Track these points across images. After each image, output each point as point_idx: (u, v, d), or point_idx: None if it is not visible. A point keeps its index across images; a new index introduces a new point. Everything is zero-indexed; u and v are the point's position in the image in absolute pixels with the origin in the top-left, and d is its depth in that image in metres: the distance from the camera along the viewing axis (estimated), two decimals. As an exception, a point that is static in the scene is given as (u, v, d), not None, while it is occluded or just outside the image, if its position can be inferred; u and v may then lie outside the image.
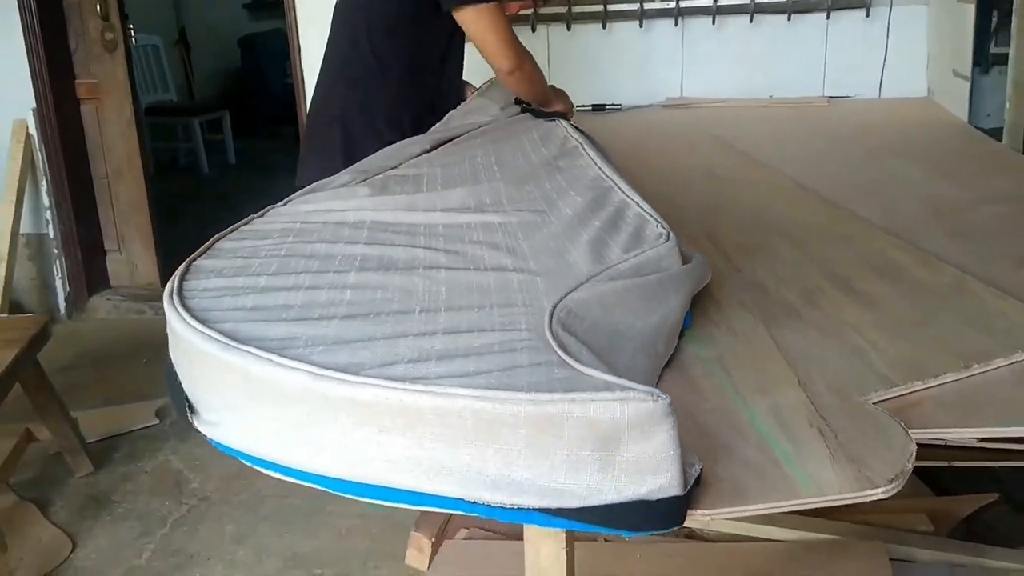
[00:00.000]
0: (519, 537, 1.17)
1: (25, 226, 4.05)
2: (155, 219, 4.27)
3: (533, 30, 3.52)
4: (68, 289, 4.16)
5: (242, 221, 1.57)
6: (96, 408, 3.25)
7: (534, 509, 0.92)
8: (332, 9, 2.36)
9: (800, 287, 1.58)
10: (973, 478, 2.18)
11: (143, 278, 4.29)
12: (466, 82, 2.47)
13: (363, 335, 1.09)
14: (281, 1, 3.73)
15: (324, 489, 1.02)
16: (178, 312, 1.15)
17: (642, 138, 3.04)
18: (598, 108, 3.48)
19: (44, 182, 4.03)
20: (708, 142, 2.94)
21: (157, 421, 3.18)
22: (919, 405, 1.16)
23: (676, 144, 2.98)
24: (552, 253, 1.39)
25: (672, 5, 3.47)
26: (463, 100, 2.42)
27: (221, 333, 1.08)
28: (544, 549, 1.15)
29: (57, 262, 4.13)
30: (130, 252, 4.30)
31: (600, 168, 1.81)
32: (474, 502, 0.93)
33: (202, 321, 1.12)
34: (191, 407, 1.14)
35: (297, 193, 1.73)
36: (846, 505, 0.98)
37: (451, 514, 1.25)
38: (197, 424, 1.13)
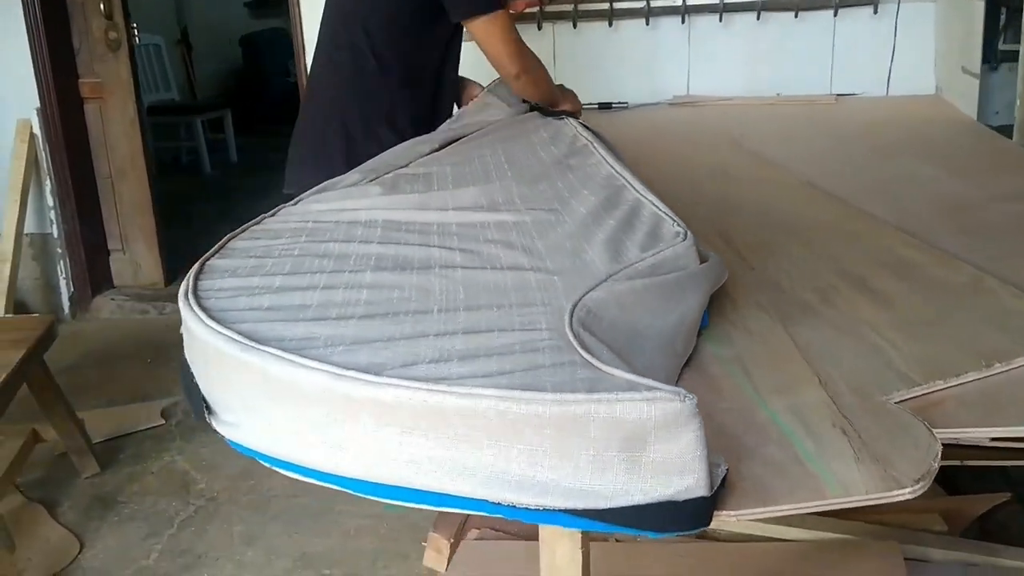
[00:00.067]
0: (531, 537, 1.16)
1: (29, 226, 4.04)
2: (158, 219, 4.25)
3: (539, 28, 3.50)
4: (72, 289, 4.15)
5: (254, 220, 1.56)
6: (101, 408, 3.24)
7: (559, 510, 0.91)
8: (332, 9, 2.33)
9: (814, 285, 1.58)
10: (985, 477, 2.17)
11: (147, 278, 4.27)
12: (473, 81, 2.45)
13: (383, 335, 1.08)
14: (281, 0, 3.71)
15: (344, 490, 1.01)
16: (195, 312, 1.14)
17: (649, 136, 3.03)
18: (604, 106, 3.46)
19: (48, 182, 4.01)
20: (716, 140, 2.93)
21: (162, 421, 3.16)
22: (941, 404, 1.15)
23: (684, 142, 2.97)
24: (568, 252, 1.38)
25: (679, 3, 3.46)
26: (460, 99, 2.41)
27: (239, 333, 1.07)
28: (560, 549, 1.14)
29: (61, 262, 4.12)
30: (133, 252, 4.28)
31: (612, 166, 1.80)
32: (498, 503, 0.93)
33: (219, 321, 1.11)
34: (208, 408, 1.13)
35: (307, 192, 1.72)
36: (862, 505, 0.97)
37: (468, 515, 1.24)
38: (215, 425, 1.12)
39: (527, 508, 0.92)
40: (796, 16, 3.42)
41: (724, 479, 0.93)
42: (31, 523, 2.60)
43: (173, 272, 4.24)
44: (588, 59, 3.52)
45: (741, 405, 1.15)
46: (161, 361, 3.60)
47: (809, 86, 3.44)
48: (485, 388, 0.92)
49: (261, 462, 1.09)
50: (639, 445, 0.88)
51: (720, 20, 3.46)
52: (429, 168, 1.86)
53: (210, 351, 1.10)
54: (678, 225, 1.45)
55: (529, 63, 2.23)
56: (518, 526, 1.86)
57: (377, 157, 1.95)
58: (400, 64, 2.21)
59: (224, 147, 6.81)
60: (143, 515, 2.66)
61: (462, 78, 2.42)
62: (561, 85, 2.44)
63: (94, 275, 4.20)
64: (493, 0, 2.12)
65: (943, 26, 3.33)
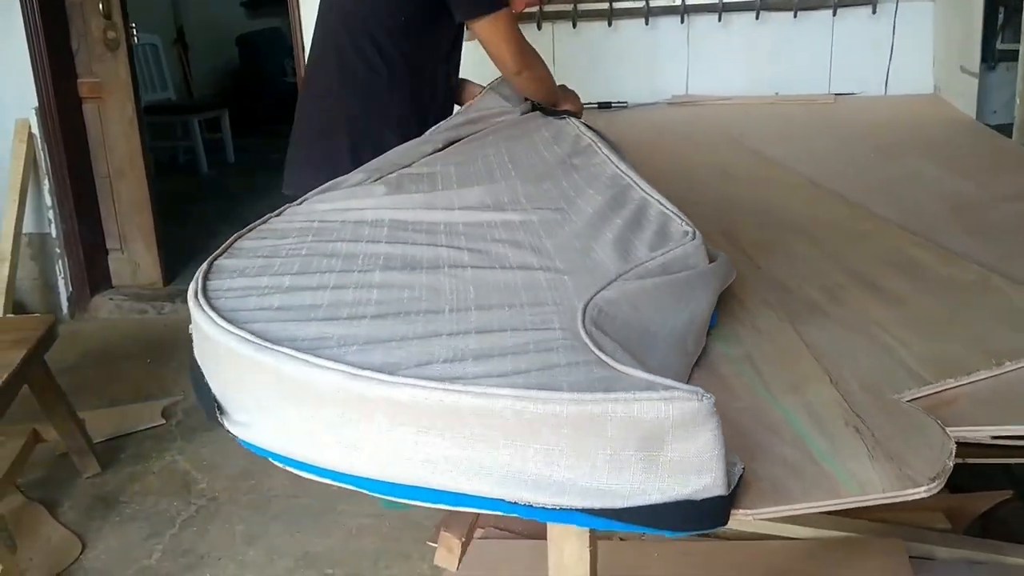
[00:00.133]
0: (536, 536, 1.16)
1: (28, 226, 4.02)
2: (157, 218, 4.24)
3: (539, 28, 3.50)
4: (70, 289, 4.14)
5: (259, 220, 1.56)
6: (101, 408, 3.23)
7: (576, 509, 0.91)
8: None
9: (821, 284, 1.58)
10: (987, 475, 2.18)
11: (145, 278, 4.26)
12: (471, 81, 2.45)
13: (395, 335, 1.08)
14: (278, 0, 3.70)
15: (359, 490, 1.01)
16: (206, 313, 1.14)
17: (649, 136, 3.03)
18: (604, 106, 3.46)
19: (47, 181, 4.00)
20: (716, 139, 2.93)
21: (163, 421, 3.16)
22: (954, 403, 1.16)
23: (684, 141, 2.97)
24: (577, 251, 1.38)
25: (678, 2, 3.46)
26: (460, 99, 2.41)
27: (251, 333, 1.07)
28: (568, 548, 1.14)
29: (59, 262, 4.11)
30: (132, 252, 4.27)
31: (616, 166, 1.80)
32: (515, 503, 0.93)
33: (231, 321, 1.11)
34: (220, 408, 1.13)
35: (312, 192, 1.71)
36: (871, 504, 0.97)
37: (479, 514, 1.24)
38: (227, 425, 1.12)
39: (544, 507, 0.92)
40: (795, 16, 3.42)
41: (741, 478, 0.93)
42: (32, 523, 2.59)
43: (172, 272, 4.24)
44: (587, 59, 3.53)
45: (754, 404, 1.15)
46: (161, 361, 3.59)
47: (808, 85, 3.45)
48: (501, 387, 0.92)
49: (274, 462, 1.08)
50: (656, 444, 0.88)
51: (719, 20, 3.47)
52: (433, 168, 1.86)
53: (222, 351, 1.10)
54: (686, 224, 1.45)
55: (531, 61, 2.24)
56: (523, 525, 1.86)
57: (381, 157, 1.95)
58: (401, 64, 2.21)
59: (221, 147, 6.81)
60: (144, 515, 2.65)
61: (462, 79, 2.42)
62: (563, 85, 2.44)
63: (93, 275, 4.18)
64: (497, 0, 2.12)
65: (941, 25, 3.33)
